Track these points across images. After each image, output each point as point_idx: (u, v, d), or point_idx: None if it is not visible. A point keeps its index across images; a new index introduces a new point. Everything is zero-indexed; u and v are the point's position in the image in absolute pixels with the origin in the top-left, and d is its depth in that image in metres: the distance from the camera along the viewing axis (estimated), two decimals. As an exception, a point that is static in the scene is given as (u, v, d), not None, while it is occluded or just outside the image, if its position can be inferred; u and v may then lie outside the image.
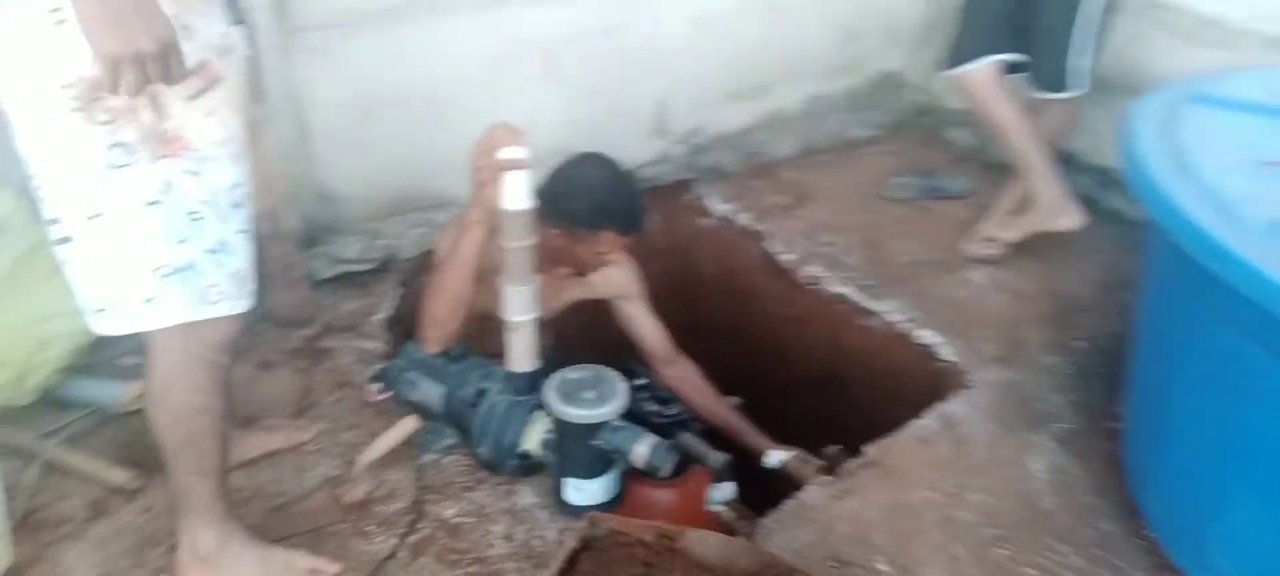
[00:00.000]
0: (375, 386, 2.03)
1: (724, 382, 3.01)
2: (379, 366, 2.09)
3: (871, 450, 2.05)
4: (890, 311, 2.53)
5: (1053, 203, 2.64)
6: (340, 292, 2.44)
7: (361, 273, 2.49)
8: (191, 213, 1.35)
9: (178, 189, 1.32)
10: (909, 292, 2.60)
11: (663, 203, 3.10)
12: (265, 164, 2.20)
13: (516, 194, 1.68)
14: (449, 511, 1.82)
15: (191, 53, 1.25)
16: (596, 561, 1.57)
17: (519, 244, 1.71)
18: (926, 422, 2.12)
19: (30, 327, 1.88)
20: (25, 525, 1.72)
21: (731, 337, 3.01)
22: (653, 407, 2.23)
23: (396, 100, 2.51)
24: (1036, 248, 2.70)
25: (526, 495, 1.87)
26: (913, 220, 2.99)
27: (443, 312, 1.90)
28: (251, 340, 2.25)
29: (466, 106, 2.57)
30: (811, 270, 2.72)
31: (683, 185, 3.16)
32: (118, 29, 1.14)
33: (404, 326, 2.46)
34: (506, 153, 1.65)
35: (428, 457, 1.94)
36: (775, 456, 2.23)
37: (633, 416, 2.17)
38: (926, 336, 2.43)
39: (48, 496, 1.80)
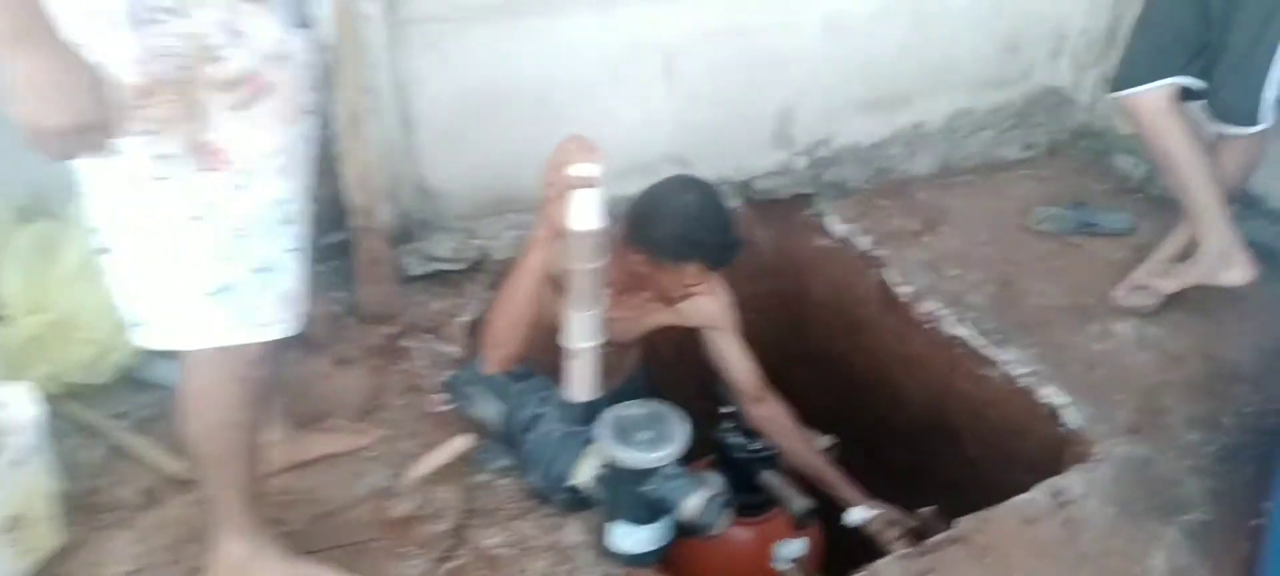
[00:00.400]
0: (440, 396, 1.98)
1: (826, 417, 2.81)
2: (448, 375, 2.03)
3: (965, 523, 1.82)
4: (1013, 361, 2.26)
5: (1222, 251, 2.29)
6: (429, 291, 2.41)
7: (452, 272, 2.45)
8: (237, 229, 1.29)
9: (221, 204, 1.27)
10: (1038, 342, 2.32)
11: (778, 218, 2.92)
12: (364, 157, 2.20)
13: (585, 213, 1.56)
14: (491, 540, 1.75)
15: (241, 60, 1.21)
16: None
17: (585, 267, 1.60)
18: (1035, 497, 1.87)
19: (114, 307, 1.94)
20: (82, 506, 1.77)
21: (838, 370, 2.81)
22: (737, 440, 2.11)
23: (506, 99, 2.44)
24: (1197, 302, 2.36)
25: (574, 531, 1.77)
26: (1058, 257, 2.68)
27: (501, 332, 1.79)
28: (334, 333, 2.25)
29: (579, 109, 2.49)
30: (930, 306, 2.48)
31: (801, 200, 2.96)
32: (38, 101, 1.09)
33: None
34: (578, 169, 1.53)
35: (482, 477, 1.87)
36: (858, 514, 2.03)
37: (718, 450, 2.08)
38: (1051, 394, 2.16)
39: (108, 479, 1.84)
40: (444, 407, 1.97)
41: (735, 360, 2.17)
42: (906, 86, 3.00)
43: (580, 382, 1.70)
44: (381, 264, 2.27)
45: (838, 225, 2.86)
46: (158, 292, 1.32)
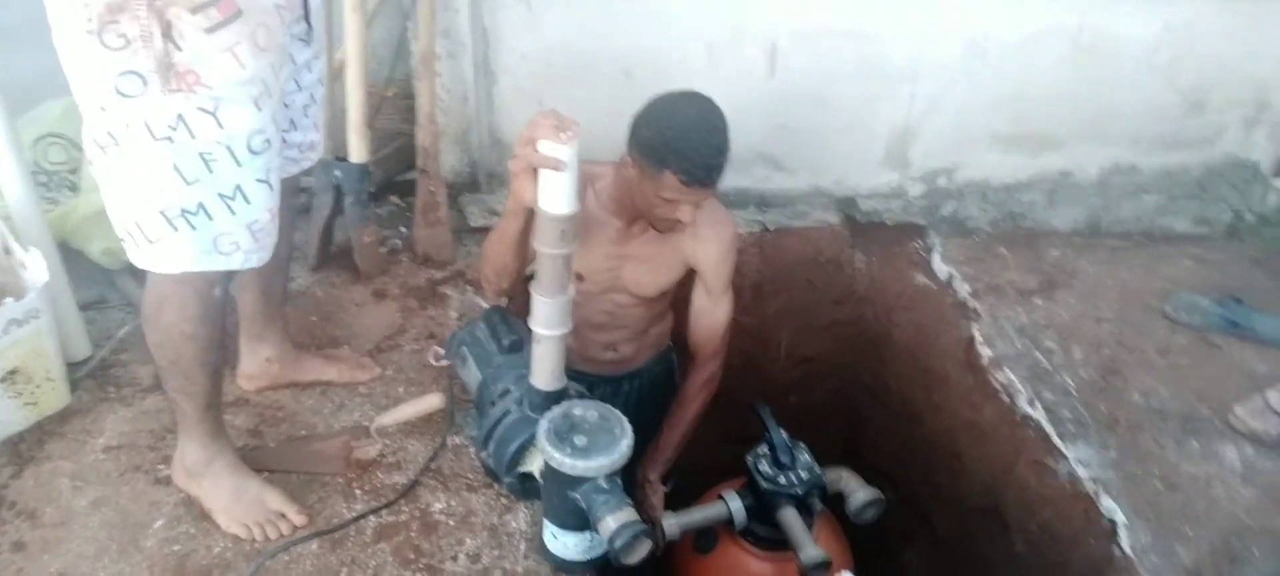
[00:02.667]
0: (438, 350, 1.96)
1: (885, 467, 2.60)
2: (453, 333, 2.01)
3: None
4: (1081, 462, 1.96)
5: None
6: (485, 240, 2.39)
7: (512, 230, 2.42)
8: (204, 154, 1.29)
9: (190, 126, 1.27)
10: (1121, 445, 2.00)
11: (879, 244, 2.70)
12: (431, 97, 2.21)
13: (553, 196, 1.48)
14: (438, 505, 1.71)
15: None
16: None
17: (552, 251, 1.52)
18: (1041, 623, 1.61)
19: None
20: (98, 375, 1.89)
21: (908, 420, 2.56)
22: (765, 469, 1.97)
23: (591, 64, 2.38)
24: (1336, 444, 1.94)
25: (521, 518, 1.71)
26: (1186, 354, 2.30)
27: (490, 275, 1.87)
28: (382, 266, 2.29)
29: (666, 86, 2.35)
30: (1008, 376, 2.19)
31: (911, 230, 2.71)
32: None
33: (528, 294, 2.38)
34: (545, 148, 1.45)
35: (457, 440, 1.84)
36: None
37: (748, 474, 1.94)
38: (1112, 508, 1.86)
39: (131, 355, 1.96)
40: (440, 363, 1.95)
41: (709, 312, 2.03)
42: (1057, 127, 2.67)
43: (543, 369, 1.62)
44: (439, 208, 2.28)
45: (941, 264, 2.60)
46: (131, 210, 1.34)
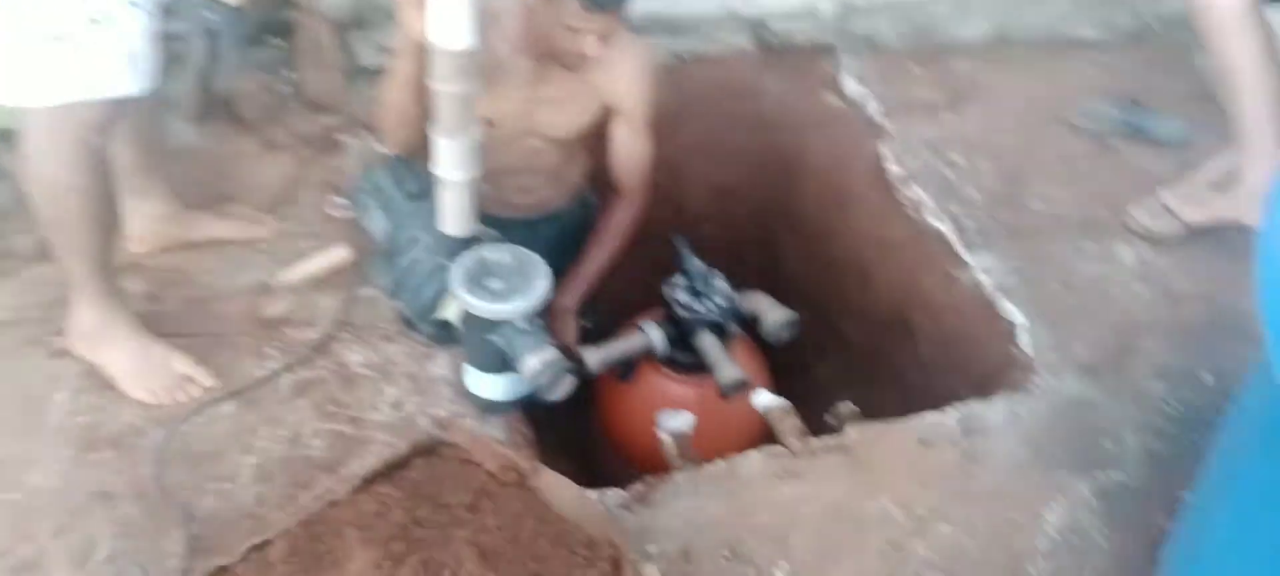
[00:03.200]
0: (339, 200, 1.89)
1: (800, 288, 2.65)
2: (354, 181, 1.93)
3: (854, 432, 1.67)
4: (984, 268, 2.03)
5: (1264, 189, 1.95)
6: (379, 83, 2.27)
7: (409, 69, 2.30)
8: None
9: None
10: (1023, 252, 2.06)
11: (790, 67, 2.66)
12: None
13: (447, 27, 1.39)
14: (355, 357, 1.69)
15: None
16: (429, 472, 1.39)
17: (449, 89, 1.44)
18: (942, 420, 1.70)
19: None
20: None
21: (820, 242, 2.60)
22: (681, 297, 1.98)
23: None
24: (1223, 240, 2.04)
25: (439, 365, 1.70)
26: (1086, 160, 2.36)
27: (391, 126, 1.77)
28: (269, 115, 2.17)
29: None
30: (916, 192, 2.23)
31: (822, 51, 2.67)
32: None
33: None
34: None
35: (368, 291, 1.80)
36: (763, 399, 1.89)
37: (665, 303, 1.95)
38: (1012, 311, 1.93)
39: (9, 225, 1.84)
40: (340, 214, 1.88)
41: (630, 149, 1.97)
42: (967, -66, 2.61)
43: (452, 214, 1.58)
44: (324, 49, 2.15)
45: (853, 85, 2.58)
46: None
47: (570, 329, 2.04)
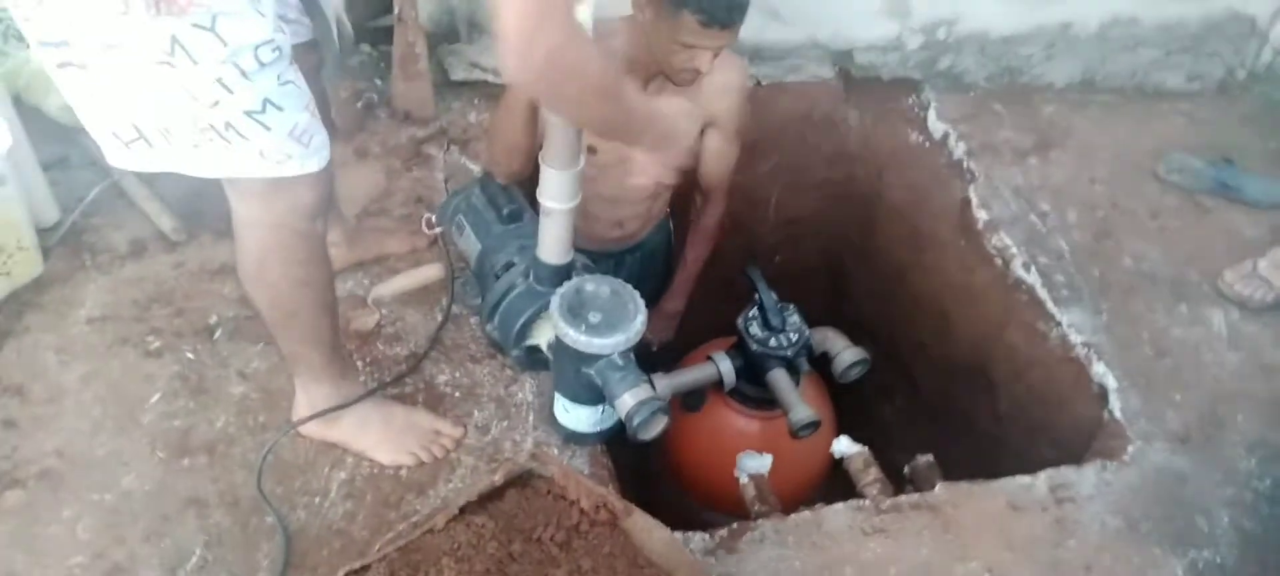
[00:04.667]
0: (431, 218, 1.89)
1: (870, 326, 2.62)
2: (446, 199, 1.94)
3: (944, 491, 1.64)
4: (1073, 326, 1.99)
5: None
6: (468, 99, 2.28)
7: (496, 84, 2.30)
8: (217, 78, 1.11)
9: (188, 50, 1.07)
10: (1112, 310, 2.02)
11: (874, 100, 2.63)
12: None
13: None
14: (442, 377, 1.69)
15: None
16: (523, 505, 1.38)
17: (563, 121, 1.43)
18: (1033, 484, 1.66)
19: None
20: (69, 242, 1.80)
21: (890, 280, 2.57)
22: (756, 331, 1.96)
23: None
24: (1321, 311, 1.99)
25: (527, 389, 1.69)
26: (1177, 217, 2.31)
27: (499, 156, 1.78)
28: (360, 123, 2.18)
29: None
30: (1004, 240, 2.19)
31: (905, 85, 2.64)
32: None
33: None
34: None
35: (458, 310, 1.80)
36: (843, 444, 1.87)
37: (738, 335, 1.94)
38: (1102, 373, 1.89)
39: (103, 219, 1.86)
40: (432, 231, 1.88)
41: (722, 155, 2.03)
42: (1061, -23, 2.57)
43: (552, 243, 1.57)
44: (418, 60, 2.15)
45: (937, 122, 2.55)
46: (148, 120, 1.14)
47: (671, 330, 2.13)
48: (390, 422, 1.55)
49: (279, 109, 1.17)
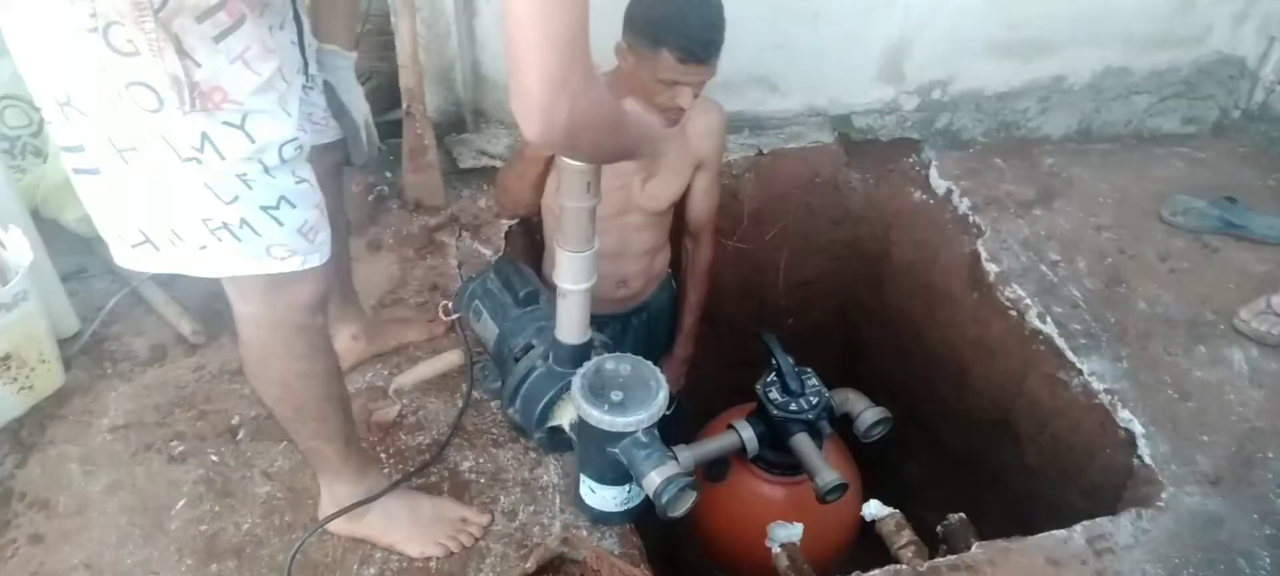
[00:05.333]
0: (448, 304, 1.90)
1: (887, 385, 2.61)
2: (461, 285, 1.95)
3: (981, 550, 1.62)
4: (1095, 374, 1.98)
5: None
6: (478, 187, 2.32)
7: (505, 169, 2.34)
8: (239, 174, 1.12)
9: (217, 146, 1.10)
10: (1132, 355, 2.02)
11: (875, 161, 2.67)
12: (412, 34, 2.09)
13: (577, 145, 1.40)
14: (466, 464, 1.68)
15: None
16: (556, 589, 1.36)
17: (577, 204, 1.45)
18: (1071, 536, 1.63)
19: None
20: (90, 351, 1.81)
21: (909, 338, 2.57)
22: (775, 396, 1.95)
23: (580, -10, 2.26)
24: (1341, 344, 1.99)
25: (551, 471, 1.68)
26: (1186, 259, 2.32)
27: (506, 204, 1.92)
28: (372, 215, 2.21)
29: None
30: (1017, 292, 2.19)
31: (906, 145, 2.68)
32: None
33: (528, 238, 2.32)
34: None
35: (478, 395, 1.80)
36: (873, 508, 1.85)
37: (758, 401, 1.94)
38: (1129, 419, 1.88)
39: (123, 327, 1.87)
40: (449, 317, 1.89)
41: (708, 194, 2.13)
42: (1052, 32, 2.62)
43: (569, 324, 1.58)
44: (427, 151, 2.18)
45: (939, 180, 2.57)
46: (156, 223, 1.16)
47: (683, 377, 2.20)
48: (417, 514, 1.54)
49: (293, 206, 1.20)
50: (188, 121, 1.07)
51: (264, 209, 1.17)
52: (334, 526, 1.51)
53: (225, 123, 1.09)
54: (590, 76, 1.04)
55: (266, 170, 1.15)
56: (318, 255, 1.26)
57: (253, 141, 1.11)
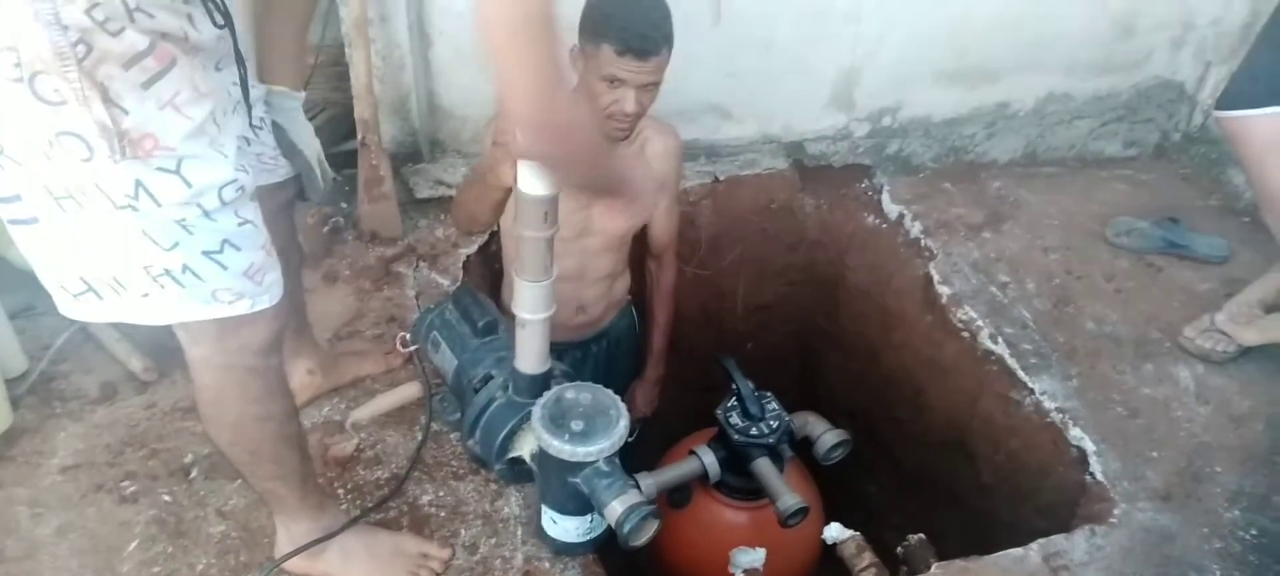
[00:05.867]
0: (406, 337, 1.89)
1: (844, 407, 2.64)
2: (419, 316, 1.94)
3: (938, 571, 1.64)
4: (1046, 393, 2.02)
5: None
6: (435, 216, 2.31)
7: (462, 199, 2.34)
8: (178, 220, 1.11)
9: (153, 193, 1.09)
10: (1082, 374, 2.07)
11: (828, 187, 2.71)
12: (365, 65, 2.09)
13: (534, 176, 1.41)
14: (426, 497, 1.67)
15: (139, 29, 1.02)
16: (518, 623, 1.35)
17: (535, 234, 1.45)
18: (1027, 555, 1.67)
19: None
20: (40, 389, 1.77)
21: (865, 361, 2.60)
22: (736, 421, 1.96)
23: (535, 21, 2.27)
24: (1277, 358, 2.05)
25: (512, 503, 1.67)
26: (1130, 278, 2.39)
27: (462, 224, 1.92)
28: (328, 247, 2.19)
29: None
30: (969, 313, 2.24)
31: (857, 171, 2.72)
32: None
33: (486, 268, 2.31)
34: None
35: (437, 427, 1.79)
36: (834, 531, 1.86)
37: (719, 426, 1.95)
38: (1080, 437, 1.92)
39: (72, 365, 1.83)
40: (406, 350, 1.88)
41: (668, 216, 2.17)
42: (995, 60, 2.69)
43: (529, 353, 1.57)
44: (383, 181, 2.18)
45: (891, 205, 2.62)
46: (97, 271, 1.15)
47: (656, 399, 2.22)
48: (375, 551, 1.52)
49: (237, 249, 1.19)
50: (120, 169, 1.05)
51: (206, 254, 1.16)
52: (291, 565, 1.49)
53: (159, 169, 1.08)
54: (570, 89, 1.09)
55: (206, 214, 1.13)
56: (267, 297, 1.25)
57: (190, 186, 1.10)
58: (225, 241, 1.17)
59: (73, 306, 1.17)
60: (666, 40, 1.74)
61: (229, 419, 1.32)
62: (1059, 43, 2.68)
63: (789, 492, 1.85)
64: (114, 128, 1.02)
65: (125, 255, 1.12)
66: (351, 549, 1.50)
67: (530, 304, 1.50)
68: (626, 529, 1.43)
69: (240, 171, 1.16)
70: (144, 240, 1.11)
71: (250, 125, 1.35)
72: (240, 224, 1.18)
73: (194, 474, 1.66)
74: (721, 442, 1.99)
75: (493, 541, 1.60)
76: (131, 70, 1.02)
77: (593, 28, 1.71)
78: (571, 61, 1.77)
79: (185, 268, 1.15)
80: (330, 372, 1.83)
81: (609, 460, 1.49)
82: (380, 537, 1.55)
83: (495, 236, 2.26)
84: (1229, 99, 1.97)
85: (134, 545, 1.52)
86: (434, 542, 1.57)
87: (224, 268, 1.18)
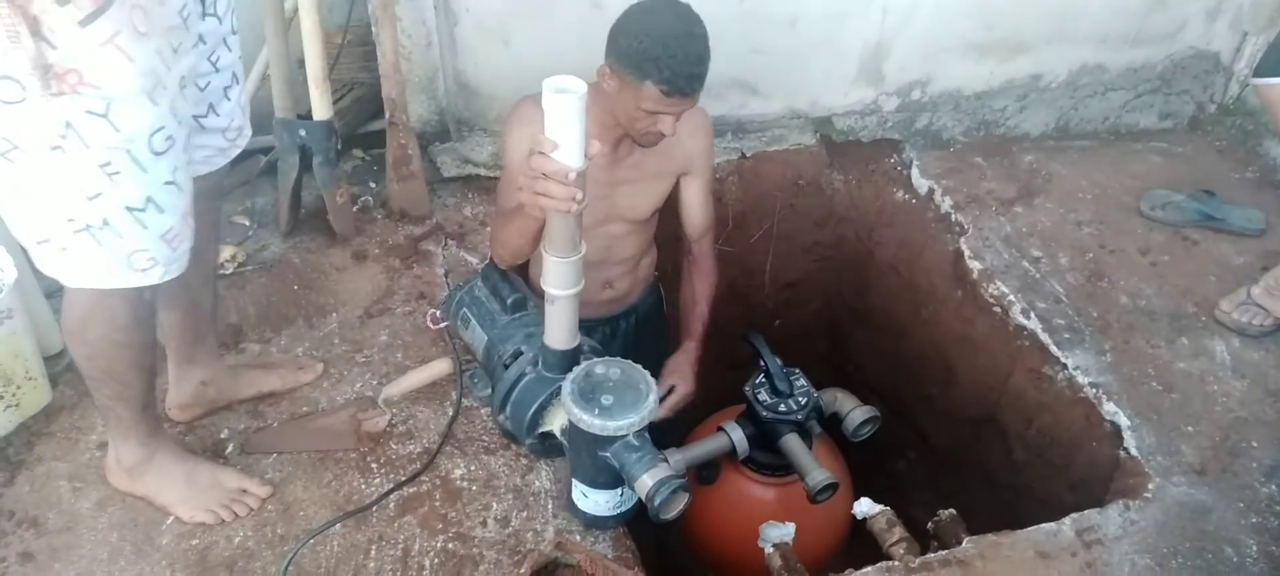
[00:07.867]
0: (436, 314, 1.90)
1: (874, 382, 2.63)
2: (448, 293, 1.95)
3: (972, 544, 1.63)
4: (1079, 368, 2.00)
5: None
6: (463, 194, 2.32)
7: (490, 178, 2.34)
8: (104, 164, 1.14)
9: (81, 134, 1.11)
10: (1116, 348, 2.04)
11: (856, 162, 2.68)
12: (393, 44, 2.09)
13: (561, 152, 1.41)
14: (457, 471, 1.68)
15: None
16: (550, 593, 1.36)
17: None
18: (1060, 529, 1.65)
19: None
20: (75, 369, 1.78)
21: (895, 336, 2.58)
22: (764, 397, 1.96)
23: (563, -1, 2.27)
24: (1318, 333, 2.02)
25: (543, 477, 1.68)
26: (1165, 252, 2.35)
27: (504, 255, 1.79)
28: (358, 226, 2.20)
29: (634, 15, 2.30)
30: (1000, 288, 2.22)
31: (887, 145, 2.70)
32: None
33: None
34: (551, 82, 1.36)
35: (467, 402, 1.80)
36: (865, 506, 1.86)
37: (747, 403, 1.94)
38: (1114, 412, 1.90)
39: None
40: (437, 326, 1.88)
41: (698, 203, 2.08)
42: (1027, 32, 2.65)
43: (557, 330, 1.58)
44: (411, 160, 2.18)
45: (921, 180, 2.60)
46: (31, 222, 1.20)
47: (692, 378, 2.12)
48: (193, 480, 1.55)
49: (160, 210, 1.22)
50: (52, 108, 1.08)
51: (129, 209, 1.18)
52: (114, 482, 1.56)
53: (88, 111, 1.10)
54: None
55: (136, 162, 1.16)
56: (176, 266, 1.29)
57: (118, 131, 1.13)
58: (149, 199, 1.20)
59: (35, 257, 1.23)
60: (708, 71, 1.70)
61: (91, 338, 1.35)
62: (1090, 13, 2.64)
63: (818, 468, 1.84)
64: (41, 61, 1.05)
65: (51, 204, 1.16)
66: (171, 473, 1.54)
67: (559, 279, 1.51)
68: (657, 502, 1.44)
69: (171, 118, 1.18)
70: (70, 188, 1.14)
71: (225, 85, 1.39)
72: (166, 182, 1.21)
73: (230, 448, 1.68)
74: (750, 419, 1.98)
75: (524, 514, 1.61)
76: (66, 6, 1.03)
77: (636, 63, 1.65)
78: (600, 77, 1.74)
79: (105, 222, 1.18)
80: (227, 388, 1.75)
81: (639, 434, 1.49)
82: (201, 468, 1.57)
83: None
84: (1268, 67, 1.94)
85: (171, 519, 1.55)
86: (256, 481, 1.59)
87: (144, 227, 1.21)
